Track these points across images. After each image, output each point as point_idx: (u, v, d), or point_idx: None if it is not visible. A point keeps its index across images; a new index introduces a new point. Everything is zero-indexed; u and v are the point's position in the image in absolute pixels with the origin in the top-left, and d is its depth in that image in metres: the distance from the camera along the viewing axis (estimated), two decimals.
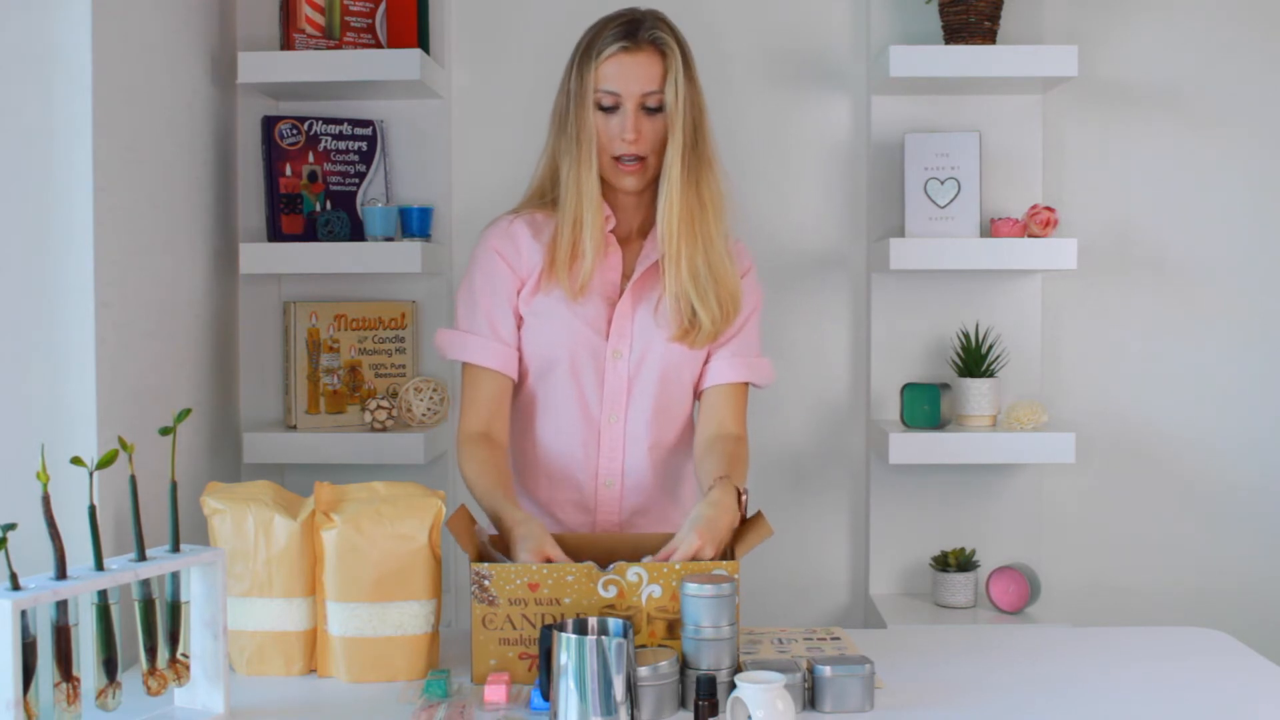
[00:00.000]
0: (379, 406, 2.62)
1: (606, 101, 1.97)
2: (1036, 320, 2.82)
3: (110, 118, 1.95)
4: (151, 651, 1.59)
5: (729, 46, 2.84)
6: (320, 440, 2.61)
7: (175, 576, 1.62)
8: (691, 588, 1.65)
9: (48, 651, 1.47)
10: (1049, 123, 2.83)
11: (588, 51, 1.98)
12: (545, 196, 2.07)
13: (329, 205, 2.70)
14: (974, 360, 2.71)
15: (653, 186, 2.04)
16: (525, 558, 1.76)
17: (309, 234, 2.67)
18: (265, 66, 2.56)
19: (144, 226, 2.11)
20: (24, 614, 1.41)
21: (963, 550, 2.74)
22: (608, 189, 2.03)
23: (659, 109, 1.97)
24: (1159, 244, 2.86)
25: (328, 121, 2.71)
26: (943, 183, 2.72)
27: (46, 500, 1.46)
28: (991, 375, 2.72)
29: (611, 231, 2.04)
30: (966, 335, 2.73)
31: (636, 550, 1.91)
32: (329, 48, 2.64)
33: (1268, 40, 2.84)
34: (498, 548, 1.86)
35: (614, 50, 1.95)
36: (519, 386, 2.09)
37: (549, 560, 1.76)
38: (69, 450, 1.83)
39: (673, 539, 1.80)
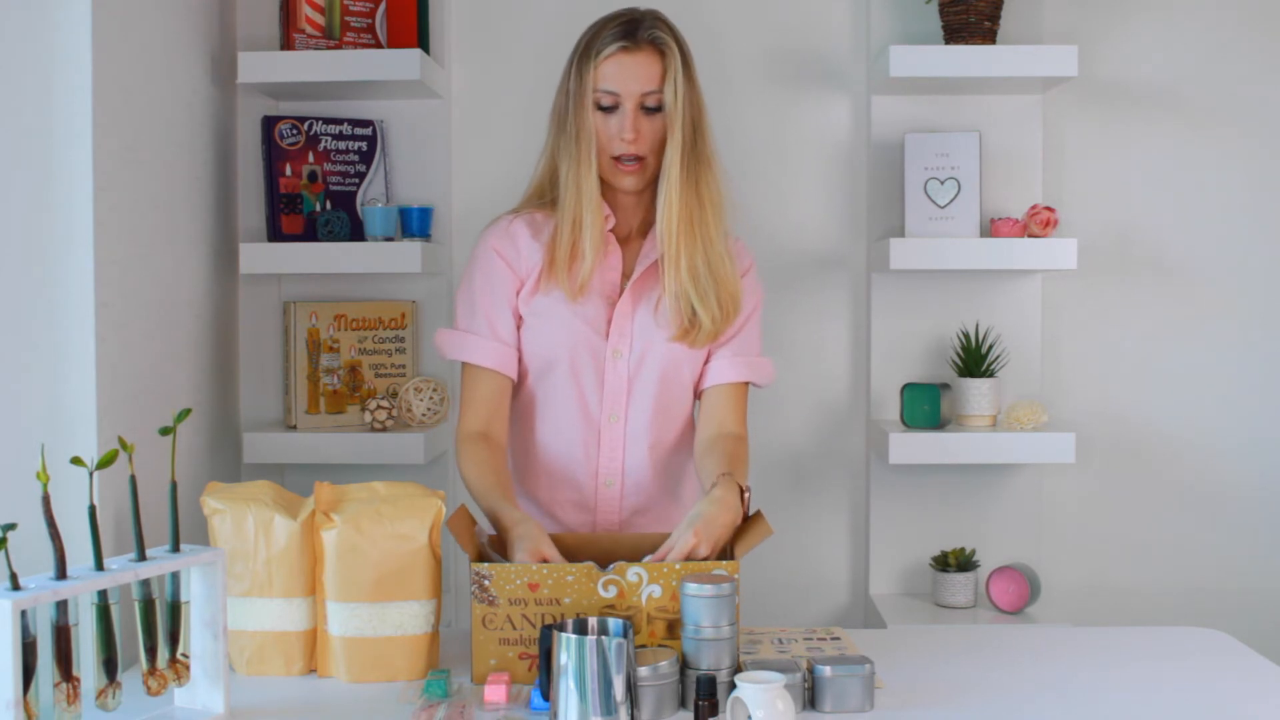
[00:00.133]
0: (379, 406, 2.62)
1: (606, 101, 1.97)
2: (1036, 320, 2.82)
3: (110, 118, 1.95)
4: (151, 651, 1.59)
5: (729, 46, 2.84)
6: (320, 440, 2.61)
7: (175, 576, 1.62)
8: (691, 588, 1.65)
9: (48, 651, 1.47)
10: (1049, 123, 2.83)
11: (587, 51, 1.98)
12: (545, 196, 2.07)
13: (329, 205, 2.70)
14: (974, 360, 2.71)
15: (652, 186, 2.04)
16: (522, 558, 1.76)
17: (309, 234, 2.67)
18: (265, 66, 2.56)
19: (144, 226, 2.11)
20: (24, 614, 1.41)
21: (963, 550, 2.74)
22: (607, 189, 2.03)
23: (658, 109, 1.97)
24: (1159, 244, 2.86)
25: (328, 121, 2.71)
26: (943, 183, 2.72)
27: (46, 500, 1.46)
28: (991, 375, 2.72)
29: (611, 231, 2.04)
30: (966, 335, 2.73)
31: (636, 550, 1.91)
32: (329, 48, 2.64)
33: (1268, 40, 2.84)
34: (496, 548, 1.86)
35: (613, 50, 1.95)
36: (519, 386, 2.09)
37: (545, 561, 1.76)
38: (69, 450, 1.83)
39: (670, 537, 1.80)
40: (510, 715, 1.62)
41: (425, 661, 1.79)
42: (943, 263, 2.63)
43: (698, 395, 2.12)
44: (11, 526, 1.43)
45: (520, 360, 2.07)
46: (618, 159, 1.98)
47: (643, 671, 1.58)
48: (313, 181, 2.69)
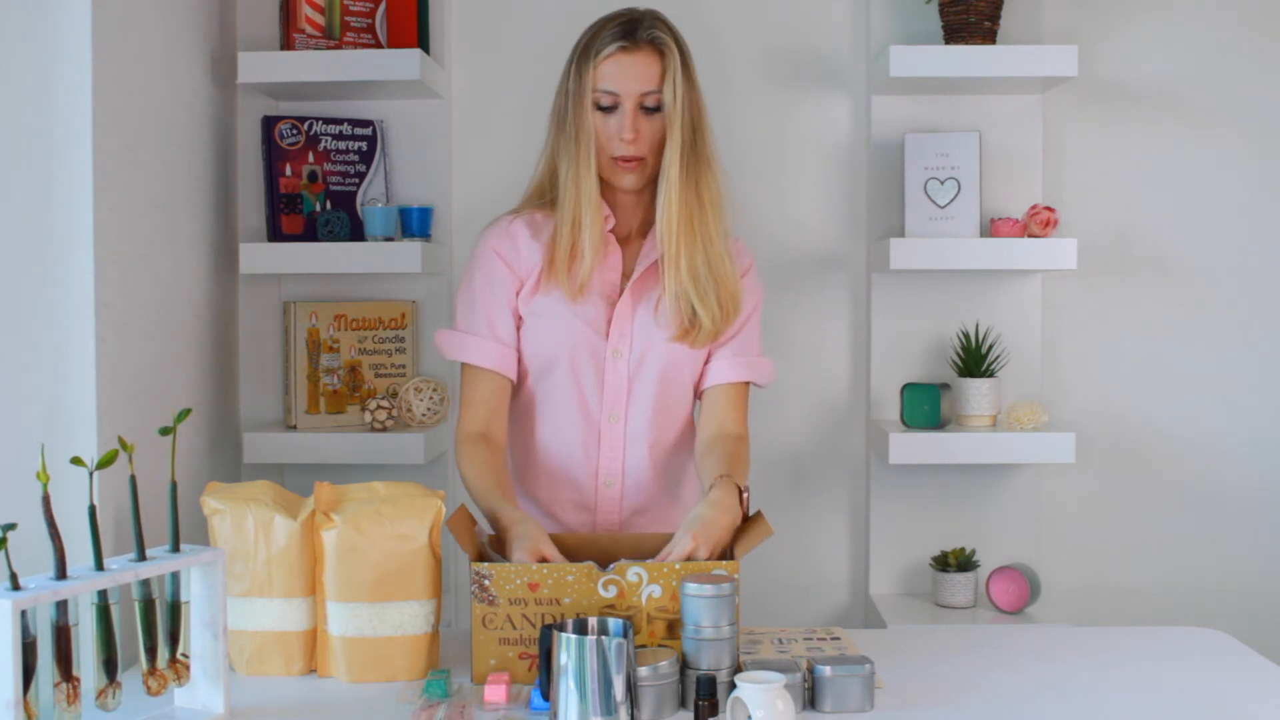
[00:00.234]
0: (379, 406, 2.62)
1: (605, 101, 1.97)
2: (1036, 320, 2.82)
3: (110, 118, 1.95)
4: (151, 651, 1.59)
5: (729, 46, 2.84)
6: (320, 440, 2.61)
7: (175, 576, 1.62)
8: (691, 588, 1.65)
9: (48, 651, 1.47)
10: (1049, 123, 2.83)
11: (586, 51, 1.98)
12: (545, 196, 2.07)
13: (329, 205, 2.70)
14: (974, 360, 2.71)
15: (652, 186, 2.04)
16: (521, 557, 1.76)
17: (309, 234, 2.67)
18: (265, 66, 2.56)
19: (144, 226, 2.11)
20: (24, 614, 1.41)
21: (963, 550, 2.74)
22: (607, 189, 2.03)
23: (657, 109, 1.97)
24: (1159, 244, 2.86)
25: (328, 121, 2.71)
26: (943, 183, 2.72)
27: (46, 500, 1.46)
28: (991, 375, 2.72)
29: (611, 231, 2.04)
30: (966, 335, 2.73)
31: (636, 550, 1.91)
32: (329, 48, 2.64)
33: (1268, 40, 2.84)
34: (496, 548, 1.86)
35: (612, 50, 1.95)
36: (519, 387, 2.09)
37: (545, 560, 1.76)
38: (69, 450, 1.83)
39: (669, 542, 1.80)
40: (510, 715, 1.62)
41: (425, 661, 1.79)
42: (943, 263, 2.63)
43: (698, 395, 2.12)
44: (11, 526, 1.43)
45: (520, 361, 2.07)
46: (617, 158, 1.98)
47: (643, 671, 1.58)
48: (313, 181, 2.69)
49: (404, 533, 1.78)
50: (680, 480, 2.14)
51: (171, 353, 2.25)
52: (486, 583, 1.72)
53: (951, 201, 2.72)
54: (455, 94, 2.84)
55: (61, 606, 1.47)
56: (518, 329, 2.05)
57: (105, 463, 1.53)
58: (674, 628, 1.72)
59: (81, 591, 1.47)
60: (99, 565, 1.52)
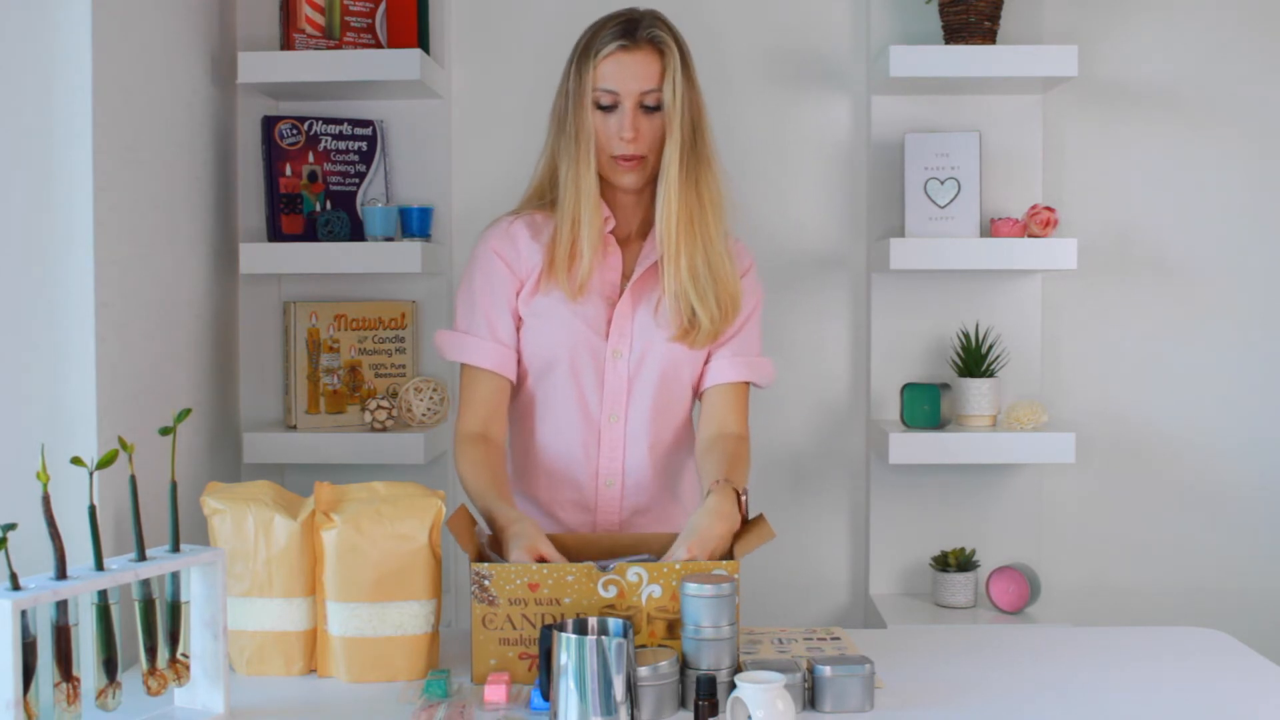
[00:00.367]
0: (379, 406, 2.62)
1: (605, 100, 1.97)
2: (1036, 320, 2.83)
3: (110, 118, 1.95)
4: (151, 651, 1.59)
5: (729, 46, 2.84)
6: (320, 440, 2.61)
7: (175, 576, 1.62)
8: (691, 588, 1.65)
9: (48, 651, 1.47)
10: (1049, 123, 2.83)
11: (586, 50, 1.98)
12: (545, 197, 2.07)
13: (329, 205, 2.70)
14: (974, 360, 2.71)
15: (652, 186, 2.04)
16: (518, 556, 1.76)
17: (309, 234, 2.67)
18: (265, 66, 2.56)
19: (144, 226, 2.11)
20: (24, 614, 1.41)
21: (963, 550, 2.74)
22: (607, 189, 2.03)
23: (657, 108, 1.97)
24: (1159, 244, 2.86)
25: (328, 121, 2.71)
26: (943, 183, 2.72)
27: (46, 500, 1.46)
28: (991, 375, 2.72)
29: (611, 232, 2.04)
30: (966, 335, 2.73)
31: (636, 550, 1.91)
32: (329, 48, 2.64)
33: (1268, 40, 2.84)
34: (494, 549, 1.86)
35: (612, 49, 1.95)
36: (519, 387, 2.09)
37: (542, 558, 1.76)
38: (69, 450, 1.83)
39: (666, 553, 1.81)
40: (510, 715, 1.62)
41: (425, 661, 1.79)
42: (943, 263, 2.63)
43: (698, 396, 2.12)
44: (11, 526, 1.43)
45: (520, 361, 2.07)
46: (617, 157, 1.98)
47: (643, 671, 1.58)
48: (313, 181, 2.69)
49: (404, 533, 1.77)
50: (680, 480, 2.14)
51: (171, 353, 2.25)
52: (486, 583, 1.72)
53: (951, 201, 2.72)
54: (455, 94, 2.84)
55: (61, 606, 1.47)
56: (517, 330, 2.06)
57: (105, 463, 1.53)
58: (674, 628, 1.72)
59: (81, 591, 1.47)
60: (99, 565, 1.52)
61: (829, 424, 2.89)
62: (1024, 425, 2.66)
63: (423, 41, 2.72)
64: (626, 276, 2.06)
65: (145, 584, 1.58)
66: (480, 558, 1.83)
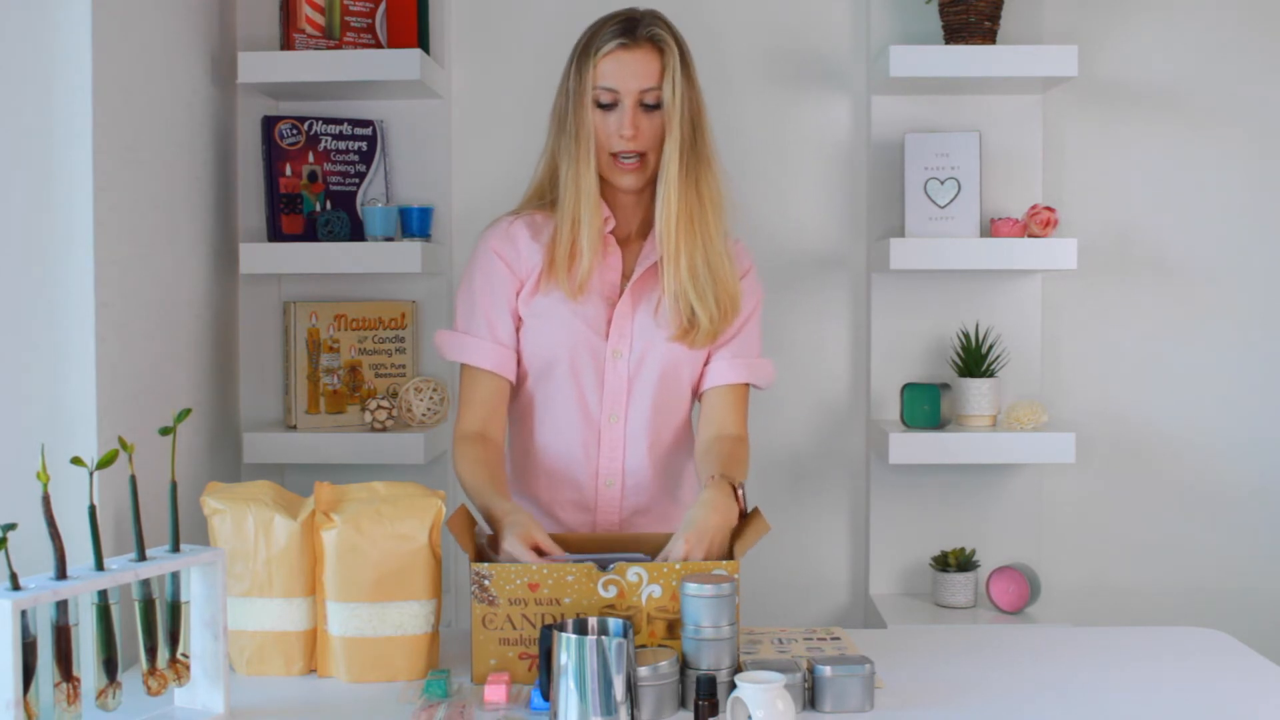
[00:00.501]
0: (379, 406, 2.62)
1: (605, 99, 1.97)
2: (1036, 320, 2.82)
3: (110, 118, 1.95)
4: (151, 651, 1.59)
5: (729, 46, 2.84)
6: (320, 440, 2.61)
7: (175, 576, 1.62)
8: (691, 588, 1.65)
9: (48, 651, 1.47)
10: (1049, 123, 2.83)
11: (586, 49, 1.98)
12: (545, 197, 2.07)
13: (329, 205, 2.70)
14: (974, 360, 2.71)
15: (652, 187, 2.04)
16: (513, 544, 1.76)
17: (309, 234, 2.67)
18: (265, 66, 2.56)
19: (144, 226, 2.11)
20: (24, 614, 1.41)
21: (963, 550, 2.74)
22: (608, 190, 2.03)
23: (657, 106, 1.97)
24: (1159, 244, 2.86)
25: (328, 121, 2.71)
26: (943, 183, 2.72)
27: (46, 500, 1.46)
28: (991, 375, 2.72)
29: (611, 233, 2.04)
30: (966, 335, 2.73)
31: (633, 548, 1.92)
32: (329, 48, 2.64)
33: (1268, 40, 2.84)
34: (494, 549, 1.86)
35: (612, 47, 1.96)
36: (519, 388, 2.09)
37: (537, 547, 1.76)
38: (69, 450, 1.83)
39: (664, 548, 1.81)
40: (510, 715, 1.62)
41: (425, 661, 1.79)
42: (943, 263, 2.63)
43: (698, 397, 2.12)
44: (11, 526, 1.43)
45: (520, 362, 2.07)
46: (616, 156, 1.98)
47: (643, 671, 1.58)
48: (313, 181, 2.69)
49: (404, 533, 1.77)
50: (680, 480, 2.14)
51: (171, 353, 2.25)
52: (486, 583, 1.72)
53: (951, 201, 2.72)
54: (455, 94, 2.84)
55: (61, 606, 1.47)
56: (517, 330, 2.06)
57: (105, 463, 1.53)
58: (674, 628, 1.72)
59: (81, 591, 1.47)
60: (99, 565, 1.52)
61: (829, 424, 2.89)
62: (1024, 425, 2.66)
63: (423, 41, 2.72)
64: (626, 277, 2.06)
65: (145, 584, 1.58)
66: (480, 558, 1.83)
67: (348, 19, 2.66)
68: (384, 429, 2.62)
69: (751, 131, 2.84)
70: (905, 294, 2.82)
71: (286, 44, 2.62)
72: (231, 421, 2.66)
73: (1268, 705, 1.70)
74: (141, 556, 1.57)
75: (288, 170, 2.67)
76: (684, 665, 1.65)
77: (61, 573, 1.48)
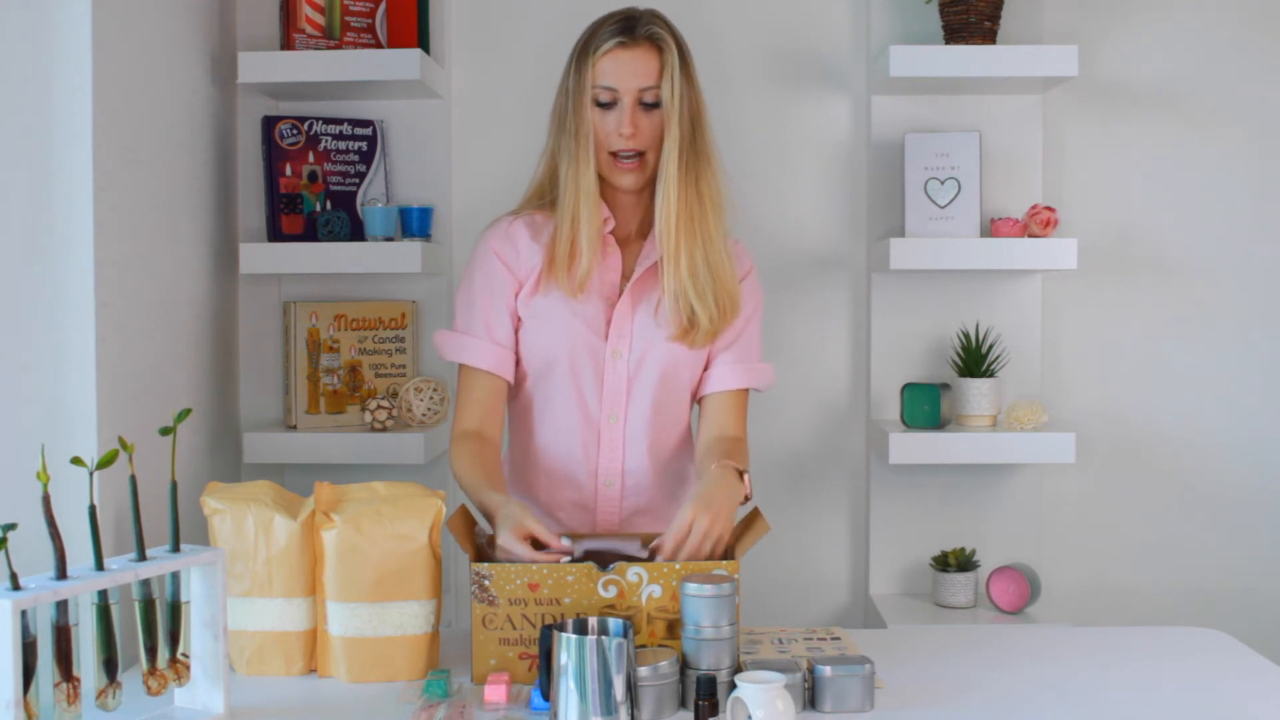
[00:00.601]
0: (379, 406, 2.62)
1: (604, 97, 1.97)
2: (1036, 320, 2.82)
3: (110, 118, 1.95)
4: (151, 651, 1.59)
5: (729, 46, 2.84)
6: (320, 440, 2.61)
7: (175, 576, 1.62)
8: (691, 588, 1.65)
9: (48, 651, 1.47)
10: (1049, 123, 2.83)
11: (585, 48, 1.98)
12: (545, 197, 2.07)
13: (329, 205, 2.70)
14: (974, 360, 2.71)
15: (652, 187, 2.04)
16: (505, 538, 1.76)
17: (309, 234, 2.67)
18: (265, 66, 2.56)
19: (144, 226, 2.11)
20: (24, 614, 1.41)
21: (963, 550, 2.74)
22: (607, 190, 2.03)
23: (656, 105, 1.97)
24: (1159, 244, 2.86)
25: (328, 121, 2.71)
26: (943, 183, 2.72)
27: (46, 500, 1.46)
28: (991, 375, 2.72)
29: (611, 233, 2.04)
30: (966, 335, 2.73)
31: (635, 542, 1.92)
32: (329, 48, 2.64)
33: (1268, 40, 2.84)
34: (493, 547, 1.86)
35: (611, 46, 1.96)
36: (518, 388, 2.09)
37: (530, 536, 1.76)
38: (69, 450, 1.83)
39: (674, 519, 1.81)
40: (510, 715, 1.62)
41: (425, 661, 1.79)
42: (943, 263, 2.63)
43: (698, 401, 2.12)
44: (11, 526, 1.43)
45: (520, 362, 2.07)
46: (616, 155, 1.98)
47: (643, 671, 1.58)
48: (313, 181, 2.69)
49: (404, 533, 1.78)
50: (679, 481, 2.14)
51: (171, 353, 2.25)
52: (486, 583, 1.72)
53: (951, 201, 2.72)
54: (455, 94, 2.84)
55: (61, 606, 1.47)
56: (516, 331, 2.06)
57: (105, 463, 1.53)
58: (674, 628, 1.73)
59: (81, 591, 1.47)
60: (99, 565, 1.52)
61: (829, 424, 2.89)
62: (1024, 425, 2.66)
63: (423, 41, 2.72)
64: (626, 277, 2.06)
65: (145, 584, 1.58)
66: (480, 558, 1.83)
67: (348, 19, 2.66)
68: (384, 429, 2.62)
69: (751, 131, 2.84)
70: (905, 294, 2.82)
71: (286, 44, 2.62)
72: (231, 421, 2.66)
73: (1268, 705, 1.70)
74: (141, 556, 1.57)
75: (288, 170, 2.67)
76: (684, 665, 1.65)
77: (61, 573, 1.48)
